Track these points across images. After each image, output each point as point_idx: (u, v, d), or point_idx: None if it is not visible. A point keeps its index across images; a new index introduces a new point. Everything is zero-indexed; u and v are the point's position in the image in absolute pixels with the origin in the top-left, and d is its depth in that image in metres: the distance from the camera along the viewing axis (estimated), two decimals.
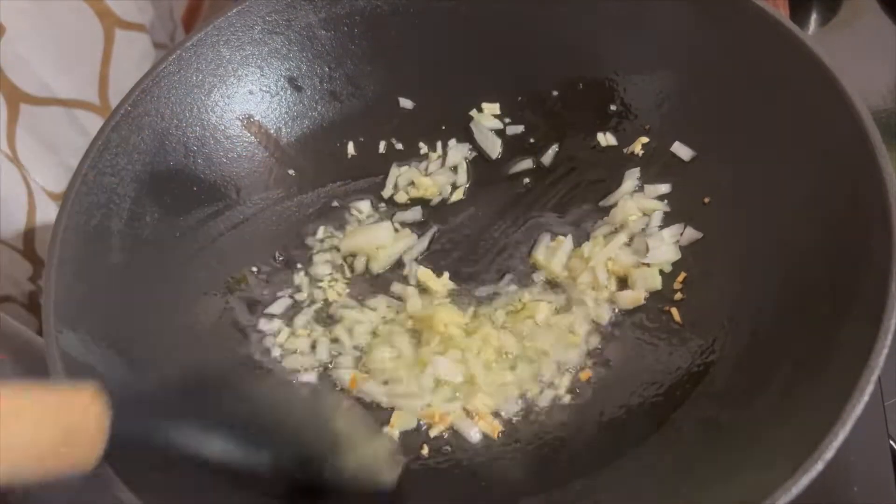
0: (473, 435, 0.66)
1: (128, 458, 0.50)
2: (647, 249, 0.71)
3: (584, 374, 0.68)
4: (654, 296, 0.70)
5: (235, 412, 0.53)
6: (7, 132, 0.80)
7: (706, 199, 0.72)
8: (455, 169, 0.81)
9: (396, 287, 0.76)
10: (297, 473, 0.54)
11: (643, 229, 0.73)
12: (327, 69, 0.81)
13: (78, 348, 0.60)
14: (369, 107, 0.82)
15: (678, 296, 0.69)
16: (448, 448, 0.65)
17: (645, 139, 0.76)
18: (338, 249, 0.78)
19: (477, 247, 0.77)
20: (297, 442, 0.55)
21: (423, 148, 0.82)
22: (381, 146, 0.82)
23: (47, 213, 0.84)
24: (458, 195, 0.80)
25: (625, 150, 0.77)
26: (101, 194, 0.67)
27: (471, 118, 0.82)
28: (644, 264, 0.71)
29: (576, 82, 0.79)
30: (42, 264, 0.85)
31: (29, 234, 0.83)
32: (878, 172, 0.55)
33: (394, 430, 0.67)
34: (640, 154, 0.76)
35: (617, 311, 0.71)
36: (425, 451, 0.65)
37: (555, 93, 0.80)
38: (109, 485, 0.52)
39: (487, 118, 0.82)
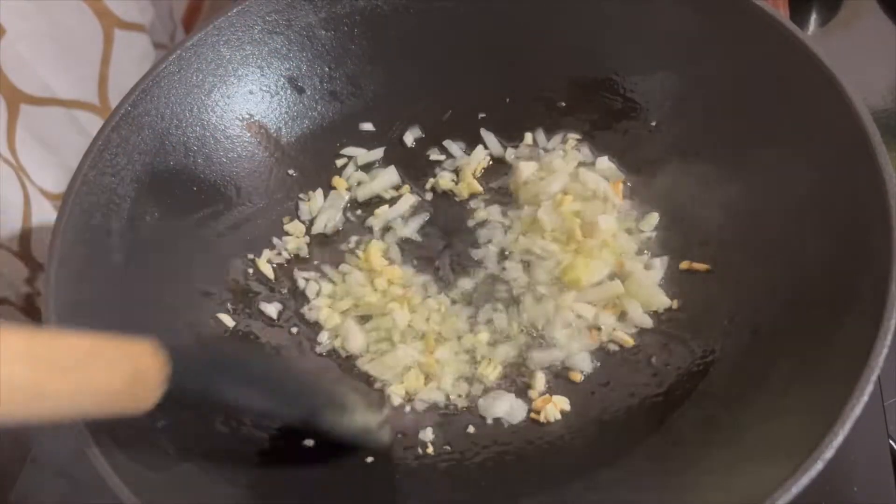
0: None
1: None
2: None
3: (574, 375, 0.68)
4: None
5: (264, 374, 0.61)
6: (7, 133, 0.80)
7: (705, 200, 0.72)
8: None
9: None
10: (304, 426, 0.62)
11: None
12: (327, 69, 0.81)
13: None
14: (369, 107, 0.82)
15: (678, 297, 0.69)
16: (448, 447, 0.65)
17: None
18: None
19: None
20: (304, 402, 0.61)
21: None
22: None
23: (44, 214, 0.83)
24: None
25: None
26: (101, 194, 0.67)
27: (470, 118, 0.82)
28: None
29: (577, 82, 0.79)
30: (38, 266, 0.85)
31: (25, 236, 0.82)
32: (878, 172, 0.56)
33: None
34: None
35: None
36: (429, 449, 0.65)
37: (556, 93, 0.80)
38: (108, 484, 0.52)
39: None
